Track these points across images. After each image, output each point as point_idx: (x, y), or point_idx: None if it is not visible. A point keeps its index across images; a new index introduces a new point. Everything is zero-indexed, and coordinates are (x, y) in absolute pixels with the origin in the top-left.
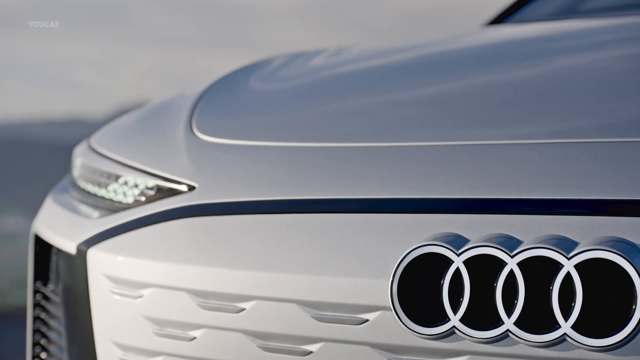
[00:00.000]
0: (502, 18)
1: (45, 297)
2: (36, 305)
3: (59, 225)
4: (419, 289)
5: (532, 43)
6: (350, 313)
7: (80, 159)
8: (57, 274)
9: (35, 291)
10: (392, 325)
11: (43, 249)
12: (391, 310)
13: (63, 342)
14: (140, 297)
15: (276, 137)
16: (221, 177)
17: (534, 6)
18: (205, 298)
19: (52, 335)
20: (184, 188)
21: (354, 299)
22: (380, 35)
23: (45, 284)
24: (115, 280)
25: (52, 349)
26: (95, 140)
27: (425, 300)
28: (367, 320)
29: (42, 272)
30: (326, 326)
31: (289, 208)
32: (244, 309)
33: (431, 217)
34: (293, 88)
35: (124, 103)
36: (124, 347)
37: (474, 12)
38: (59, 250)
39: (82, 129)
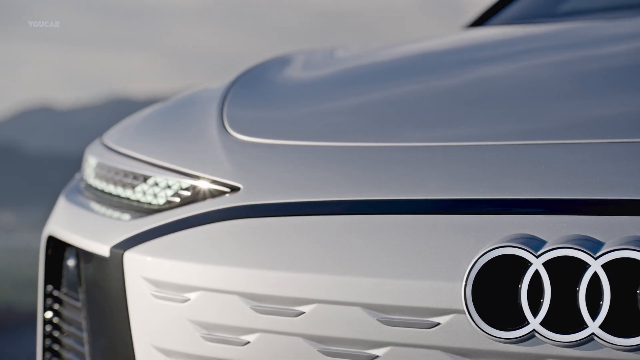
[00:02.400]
0: (482, 20)
1: (58, 301)
2: (48, 309)
3: (83, 228)
4: (494, 292)
5: (528, 44)
6: (419, 316)
7: (96, 159)
8: (79, 277)
9: (47, 294)
10: (465, 329)
11: (56, 251)
12: (465, 313)
13: (85, 348)
14: (186, 300)
15: (320, 137)
16: (266, 177)
17: (513, 8)
18: (260, 301)
19: (68, 340)
20: (225, 189)
21: (424, 301)
22: (294, 37)
23: (57, 287)
24: (157, 284)
25: (69, 355)
26: (111, 139)
27: (501, 303)
28: (438, 324)
29: (54, 275)
30: (393, 330)
31: (349, 209)
32: (303, 313)
33: (502, 218)
34: (322, 85)
35: (23, 103)
36: (167, 352)
37: (379, 14)
38: (86, 253)
39: None
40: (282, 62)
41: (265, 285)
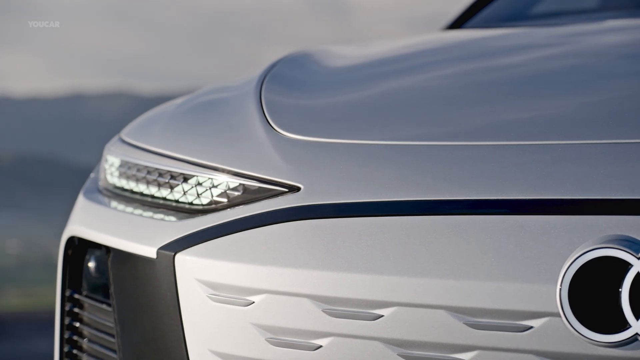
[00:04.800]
0: (461, 22)
1: (78, 304)
2: (68, 313)
3: (118, 228)
4: (591, 294)
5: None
6: (510, 319)
7: (119, 158)
8: (110, 279)
9: (68, 298)
10: (561, 333)
11: (77, 252)
12: (560, 316)
13: (118, 353)
14: (249, 303)
15: (377, 135)
16: (326, 177)
17: (491, 10)
18: (333, 304)
19: (91, 345)
20: (283, 189)
21: (515, 304)
22: (184, 36)
23: (77, 289)
24: (215, 286)
25: None
26: (133, 137)
27: (599, 305)
28: (531, 327)
29: (74, 278)
30: (482, 333)
31: (423, 209)
32: (382, 316)
33: (593, 219)
34: (356, 80)
35: None
36: (226, 356)
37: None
38: (122, 254)
39: None
40: (305, 57)
41: (339, 288)
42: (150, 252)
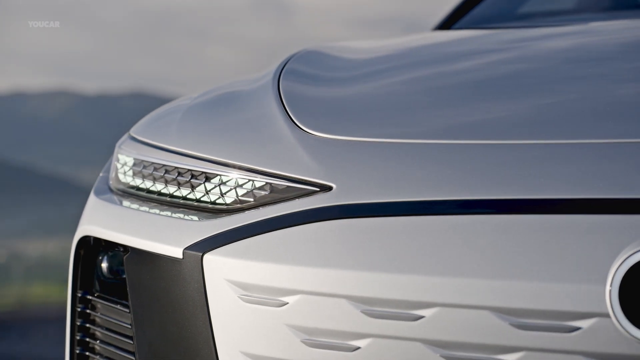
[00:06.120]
0: (450, 23)
1: (91, 305)
2: (80, 314)
3: (138, 228)
4: None
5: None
6: (557, 320)
7: (132, 157)
8: (127, 279)
9: (79, 299)
10: (610, 333)
11: (90, 253)
12: (610, 317)
13: (136, 355)
14: (283, 304)
15: (407, 133)
16: (358, 176)
17: (479, 11)
18: (372, 305)
19: (103, 347)
20: (314, 189)
21: (562, 305)
22: (127, 35)
23: (89, 290)
24: (246, 287)
25: None
26: (145, 134)
27: None
28: (579, 328)
29: (86, 278)
30: (528, 334)
31: (463, 209)
32: (423, 317)
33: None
34: (378, 77)
35: None
36: (258, 358)
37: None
38: (143, 254)
39: None
40: (315, 54)
41: (378, 288)
42: (176, 252)
